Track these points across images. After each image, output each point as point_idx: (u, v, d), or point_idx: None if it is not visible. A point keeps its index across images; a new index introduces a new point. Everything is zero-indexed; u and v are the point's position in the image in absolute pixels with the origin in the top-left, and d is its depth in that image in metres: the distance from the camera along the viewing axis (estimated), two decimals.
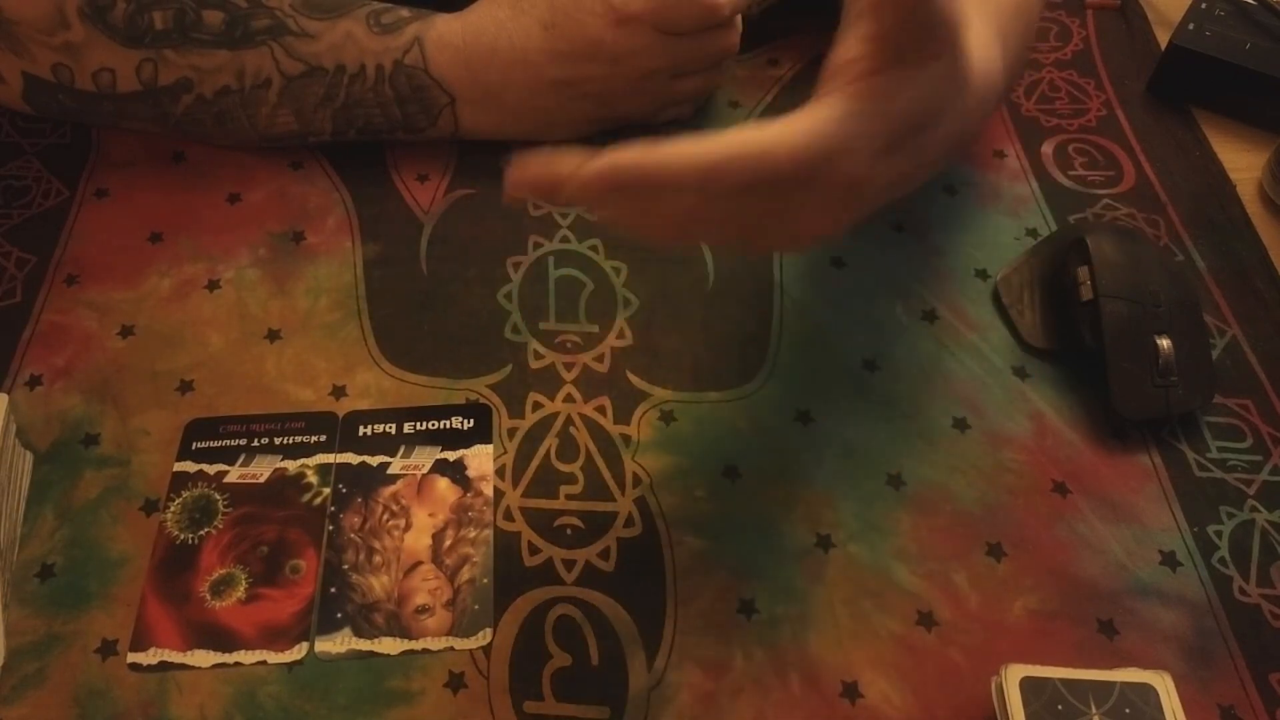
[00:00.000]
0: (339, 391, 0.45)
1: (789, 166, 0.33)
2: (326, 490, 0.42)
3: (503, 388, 0.46)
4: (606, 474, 0.43)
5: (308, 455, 0.43)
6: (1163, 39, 0.61)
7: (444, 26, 0.50)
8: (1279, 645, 0.40)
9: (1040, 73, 0.62)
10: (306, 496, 0.42)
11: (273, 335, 0.47)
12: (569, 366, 0.46)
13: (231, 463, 0.43)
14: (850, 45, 0.35)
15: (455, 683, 0.37)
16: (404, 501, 0.42)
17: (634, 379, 0.46)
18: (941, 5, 0.33)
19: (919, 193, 0.41)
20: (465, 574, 0.40)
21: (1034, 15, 0.49)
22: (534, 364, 0.46)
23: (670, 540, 0.41)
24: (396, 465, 0.43)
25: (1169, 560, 0.42)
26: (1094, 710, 0.34)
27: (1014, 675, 0.35)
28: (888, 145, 0.35)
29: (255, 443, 0.43)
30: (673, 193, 0.33)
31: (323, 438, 0.43)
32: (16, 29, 0.47)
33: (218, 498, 0.42)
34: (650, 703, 0.37)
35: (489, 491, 0.42)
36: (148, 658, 0.37)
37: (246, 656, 0.38)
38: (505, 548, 0.41)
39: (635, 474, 0.43)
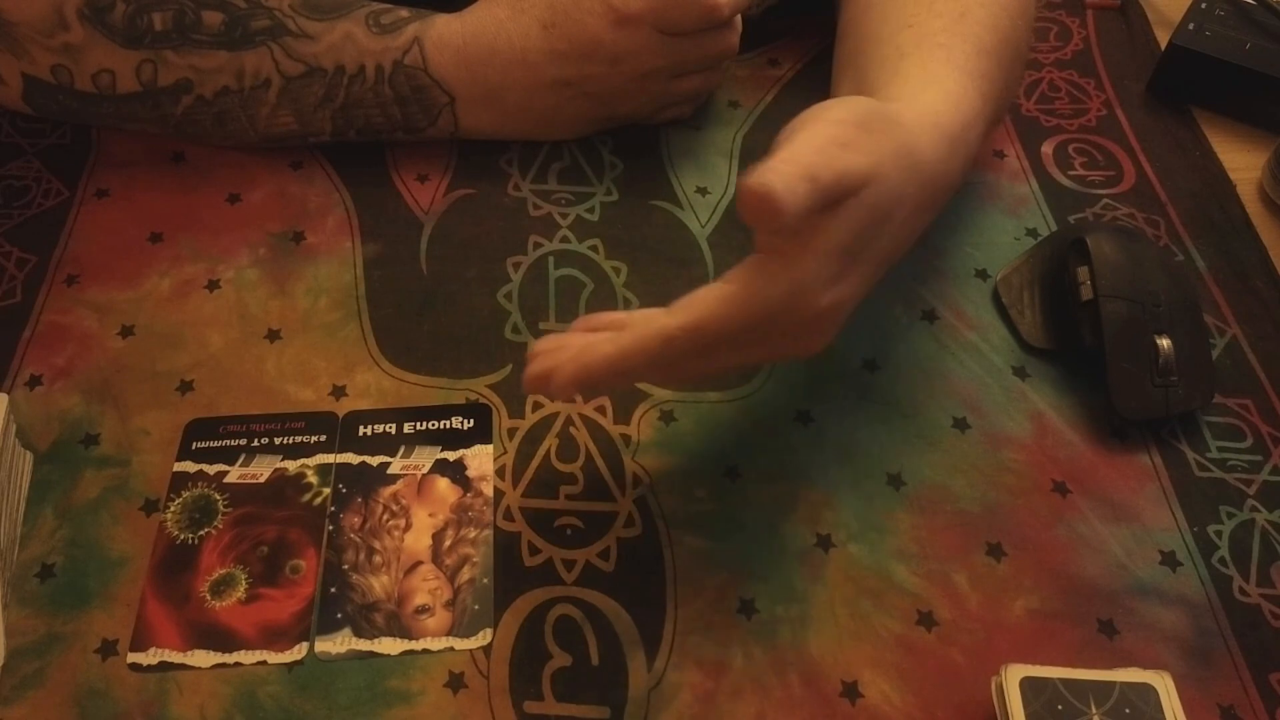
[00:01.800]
0: (339, 391, 0.45)
1: (735, 331, 0.35)
2: (326, 490, 0.42)
3: (503, 388, 0.46)
4: (606, 474, 0.43)
5: (308, 455, 0.43)
6: (1163, 39, 0.61)
7: (443, 27, 0.50)
8: (1279, 645, 0.40)
9: (1040, 72, 0.62)
10: (306, 496, 0.42)
11: (273, 335, 0.47)
12: None
13: (231, 463, 0.43)
14: None
15: (455, 683, 0.37)
16: (404, 501, 0.42)
17: None
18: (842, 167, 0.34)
19: None
20: (465, 574, 0.40)
21: (1022, 43, 0.49)
22: None
23: (670, 540, 0.41)
24: (396, 465, 0.43)
25: (1169, 560, 0.42)
26: (1094, 710, 0.34)
27: (1014, 675, 0.35)
28: (838, 271, 0.36)
29: (255, 443, 0.43)
30: (647, 371, 0.36)
31: (323, 438, 0.43)
32: (16, 30, 0.47)
33: (218, 498, 0.42)
34: (650, 703, 0.37)
35: (489, 491, 0.42)
36: (148, 658, 0.37)
37: (246, 656, 0.38)
38: (505, 548, 0.41)
39: (635, 474, 0.43)
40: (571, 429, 0.44)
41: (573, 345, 0.36)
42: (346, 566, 0.40)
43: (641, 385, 0.46)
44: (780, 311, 0.35)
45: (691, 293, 0.35)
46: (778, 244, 0.35)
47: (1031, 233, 0.53)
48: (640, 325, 0.35)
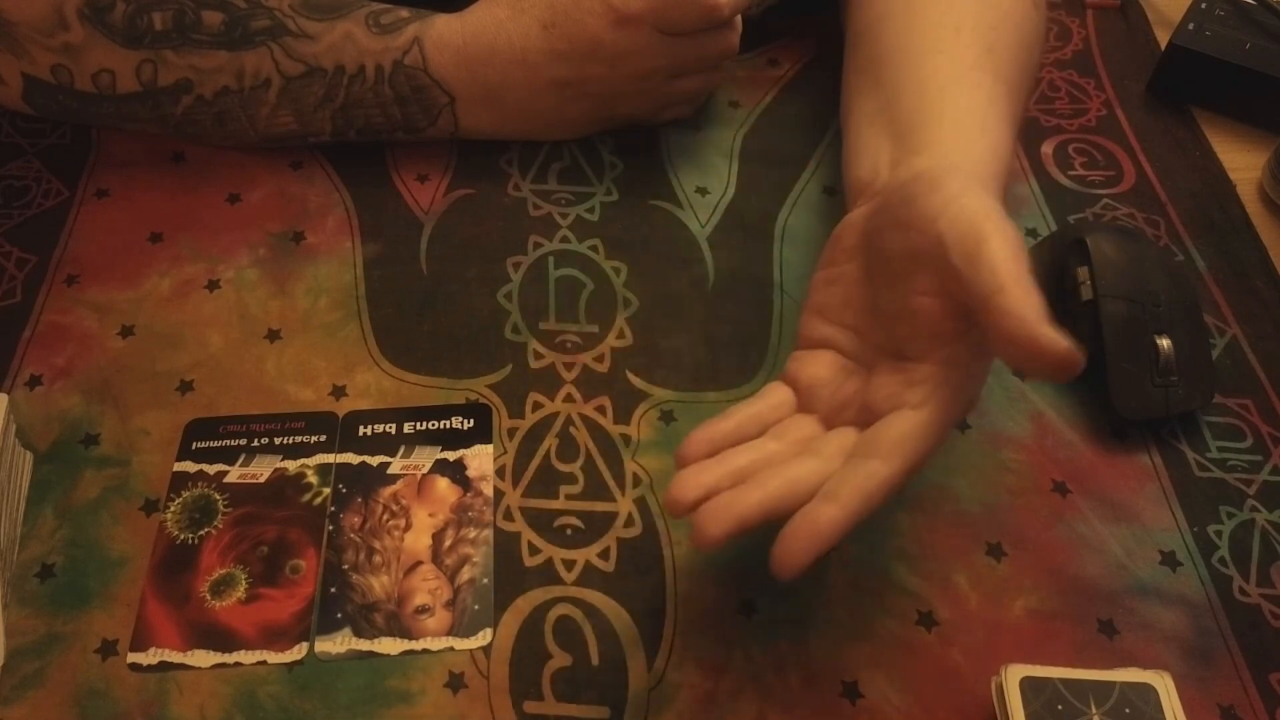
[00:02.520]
0: (339, 391, 0.45)
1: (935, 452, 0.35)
2: (326, 490, 0.42)
3: (503, 388, 0.46)
4: (606, 474, 0.43)
5: (308, 455, 0.43)
6: (1163, 39, 0.61)
7: (443, 27, 0.50)
8: (1279, 645, 0.40)
9: (1040, 72, 0.62)
10: (306, 496, 0.42)
11: (273, 335, 0.47)
12: (569, 366, 0.46)
13: (231, 463, 0.43)
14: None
15: (455, 683, 0.37)
16: (404, 501, 0.42)
17: (634, 379, 0.46)
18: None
19: None
20: (465, 574, 0.40)
21: (1037, 70, 0.50)
22: (534, 364, 0.46)
23: (670, 540, 0.41)
24: (396, 465, 0.43)
25: (1169, 560, 0.42)
26: (1094, 710, 0.34)
27: (1014, 675, 0.35)
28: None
29: (255, 443, 0.43)
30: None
31: (323, 438, 0.43)
32: (16, 30, 0.47)
33: (218, 498, 0.42)
34: (650, 703, 0.37)
35: (489, 491, 0.42)
36: (148, 658, 0.37)
37: (246, 656, 0.38)
38: (505, 548, 0.41)
39: (635, 474, 0.43)
40: (571, 429, 0.44)
41: (740, 492, 0.34)
42: (346, 566, 0.40)
43: (641, 385, 0.46)
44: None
45: (884, 429, 0.34)
46: (961, 359, 0.35)
47: (1031, 233, 0.53)
48: (858, 479, 0.33)
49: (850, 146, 0.47)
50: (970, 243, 0.33)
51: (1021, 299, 0.31)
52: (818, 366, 0.39)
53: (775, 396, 0.39)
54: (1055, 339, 0.30)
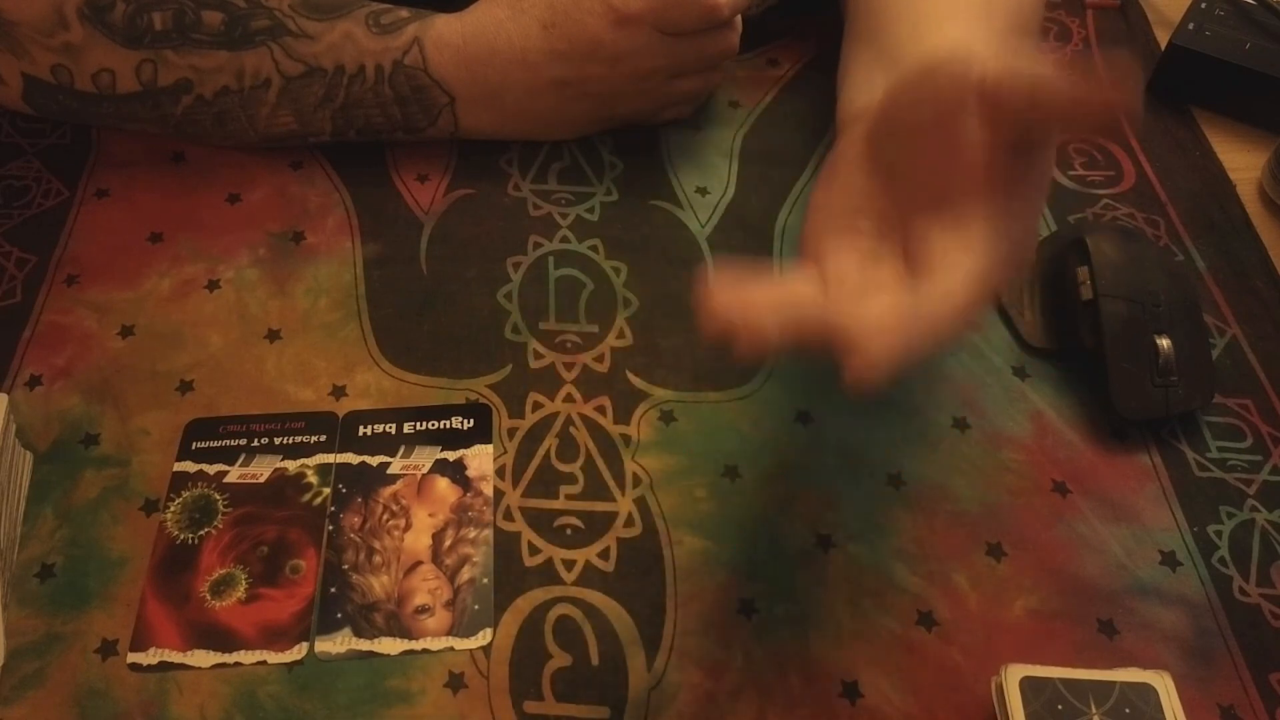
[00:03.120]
0: (339, 391, 0.45)
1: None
2: (326, 490, 0.42)
3: (503, 388, 0.46)
4: (606, 474, 0.43)
5: (308, 455, 0.43)
6: (1163, 39, 0.61)
7: (443, 27, 0.50)
8: (1279, 645, 0.40)
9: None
10: (306, 496, 0.42)
11: (273, 335, 0.47)
12: (569, 366, 0.46)
13: (231, 463, 0.43)
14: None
15: (455, 683, 0.37)
16: (404, 501, 0.42)
17: (634, 379, 0.46)
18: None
19: None
20: (465, 574, 0.40)
21: (1038, 19, 0.48)
22: (534, 364, 0.46)
23: (670, 540, 0.41)
24: (396, 465, 0.43)
25: (1169, 560, 0.42)
26: (1094, 710, 0.34)
27: (1014, 675, 0.35)
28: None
29: (255, 443, 0.43)
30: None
31: (323, 438, 0.43)
32: (16, 30, 0.47)
33: (218, 498, 0.42)
34: (650, 703, 0.37)
35: (489, 491, 0.42)
36: (148, 658, 0.37)
37: (246, 656, 0.38)
38: (505, 548, 0.41)
39: (635, 474, 0.43)
40: (571, 429, 0.44)
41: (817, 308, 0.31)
42: (346, 566, 0.40)
43: (641, 385, 0.46)
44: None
45: (949, 269, 0.31)
46: (1007, 205, 0.32)
47: None
48: (950, 284, 0.30)
49: (843, 87, 0.45)
50: (979, 64, 0.31)
51: (1057, 74, 0.29)
52: (841, 256, 0.34)
53: (800, 279, 0.34)
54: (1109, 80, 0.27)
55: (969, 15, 0.42)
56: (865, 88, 0.43)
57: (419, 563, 0.40)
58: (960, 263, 0.31)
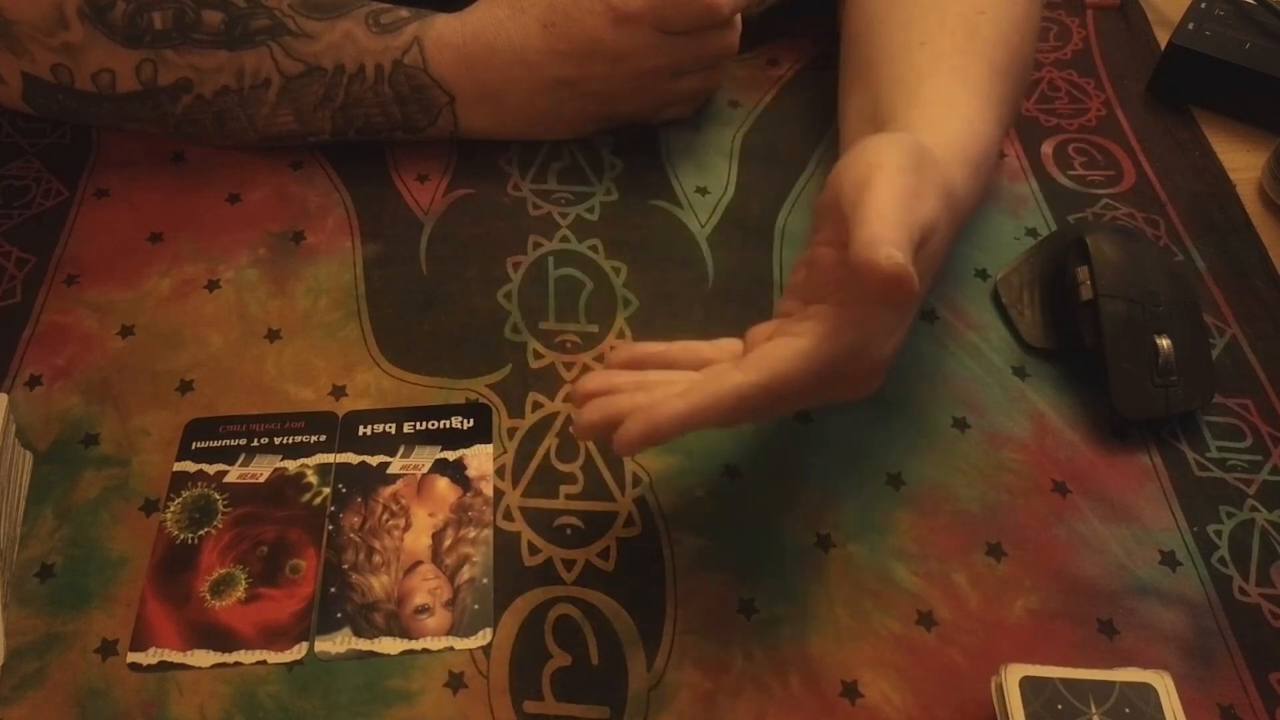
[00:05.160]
0: (339, 391, 0.45)
1: (805, 384, 0.35)
2: (326, 490, 0.42)
3: (503, 387, 0.46)
4: (606, 474, 0.43)
5: (308, 455, 0.43)
6: (1162, 39, 0.61)
7: (443, 26, 0.50)
8: (1279, 645, 0.40)
9: (1040, 72, 0.62)
10: (306, 496, 0.42)
11: (273, 335, 0.47)
12: (569, 366, 0.46)
13: (231, 463, 0.43)
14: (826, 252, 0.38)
15: (455, 682, 0.37)
16: (404, 501, 0.42)
17: None
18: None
19: None
20: (465, 574, 0.40)
21: (1029, 57, 0.50)
22: (534, 364, 0.46)
23: (670, 540, 0.41)
24: (396, 465, 0.43)
25: (1169, 560, 0.42)
26: (1094, 710, 0.34)
27: (1014, 675, 0.35)
28: (900, 319, 0.38)
29: (255, 443, 0.43)
30: (713, 424, 0.35)
31: (323, 437, 0.43)
32: (16, 29, 0.47)
33: (217, 498, 0.42)
34: (650, 703, 0.37)
35: (489, 491, 0.42)
36: (148, 658, 0.37)
37: (246, 656, 0.38)
38: (505, 548, 0.41)
39: (635, 474, 0.43)
40: (571, 429, 0.44)
41: (625, 394, 0.36)
42: (346, 566, 0.40)
43: None
44: (847, 362, 0.36)
45: (761, 347, 0.35)
46: (850, 299, 0.35)
47: (1031, 233, 0.53)
48: (713, 382, 0.35)
49: (842, 131, 0.49)
50: (857, 190, 0.34)
51: (873, 226, 0.32)
52: (767, 327, 0.39)
53: (725, 343, 0.40)
54: (887, 256, 0.31)
55: (948, 70, 0.45)
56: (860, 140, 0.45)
57: (419, 562, 0.40)
58: (775, 343, 0.35)
